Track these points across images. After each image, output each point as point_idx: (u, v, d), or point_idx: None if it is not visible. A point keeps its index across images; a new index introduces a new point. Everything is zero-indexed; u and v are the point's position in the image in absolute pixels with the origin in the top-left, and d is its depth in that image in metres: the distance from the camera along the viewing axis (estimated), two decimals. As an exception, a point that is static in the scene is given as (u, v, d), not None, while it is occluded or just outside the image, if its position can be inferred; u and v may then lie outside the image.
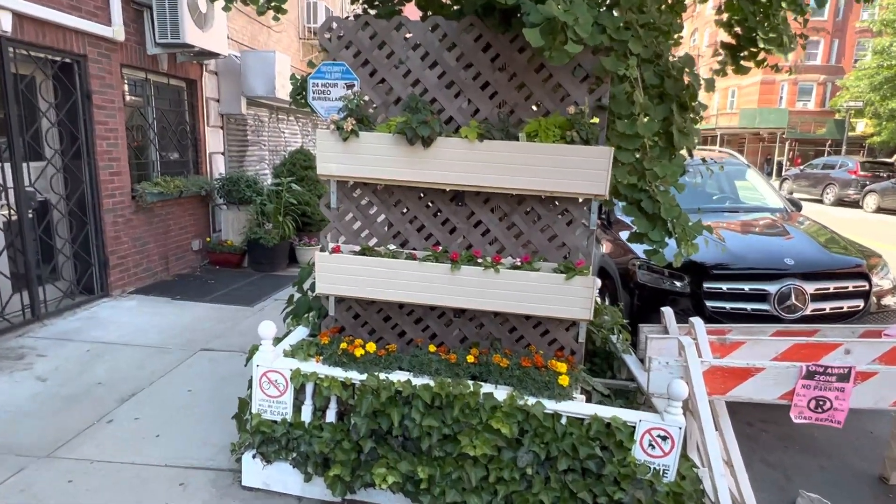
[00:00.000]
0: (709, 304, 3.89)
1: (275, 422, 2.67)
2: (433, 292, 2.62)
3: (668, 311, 3.11)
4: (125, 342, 4.58)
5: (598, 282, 2.48)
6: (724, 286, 3.90)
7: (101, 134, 5.43)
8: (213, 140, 7.57)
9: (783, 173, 26.23)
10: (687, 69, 2.63)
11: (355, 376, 2.58)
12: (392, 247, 2.74)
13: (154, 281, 6.36)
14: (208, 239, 7.38)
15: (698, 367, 2.48)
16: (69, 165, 5.29)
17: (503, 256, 2.68)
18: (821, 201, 19.60)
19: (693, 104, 2.72)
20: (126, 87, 5.95)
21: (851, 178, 18.66)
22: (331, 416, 2.66)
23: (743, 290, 3.87)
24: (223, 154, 7.81)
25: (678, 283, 4.00)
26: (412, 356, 2.69)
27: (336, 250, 2.73)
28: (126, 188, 5.83)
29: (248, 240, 7.23)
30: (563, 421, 2.45)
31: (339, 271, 2.69)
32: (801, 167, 23.31)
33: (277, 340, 3.00)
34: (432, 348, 2.72)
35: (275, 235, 7.16)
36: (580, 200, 2.65)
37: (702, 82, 2.64)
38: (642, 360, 3.02)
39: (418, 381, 2.52)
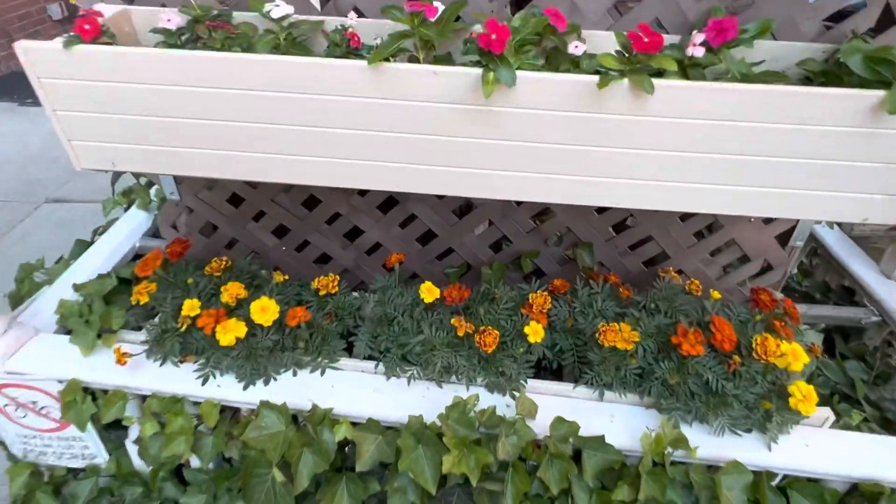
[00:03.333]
0: None
1: (73, 472, 1.15)
2: (427, 161, 0.85)
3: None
4: (-77, 194, 2.83)
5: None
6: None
7: None
8: None
9: None
10: None
11: (228, 397, 0.97)
12: (278, 7, 0.85)
13: (-7, 74, 4.24)
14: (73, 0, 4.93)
15: None
16: None
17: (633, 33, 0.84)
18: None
19: None
20: None
21: None
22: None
23: None
24: None
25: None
26: (377, 317, 1.04)
27: (91, 29, 0.83)
28: None
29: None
30: (778, 480, 0.96)
31: (112, 101, 0.84)
32: None
33: (71, 259, 1.31)
34: (429, 294, 1.04)
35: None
36: None
37: None
38: (865, 245, 1.43)
39: (391, 412, 0.92)
